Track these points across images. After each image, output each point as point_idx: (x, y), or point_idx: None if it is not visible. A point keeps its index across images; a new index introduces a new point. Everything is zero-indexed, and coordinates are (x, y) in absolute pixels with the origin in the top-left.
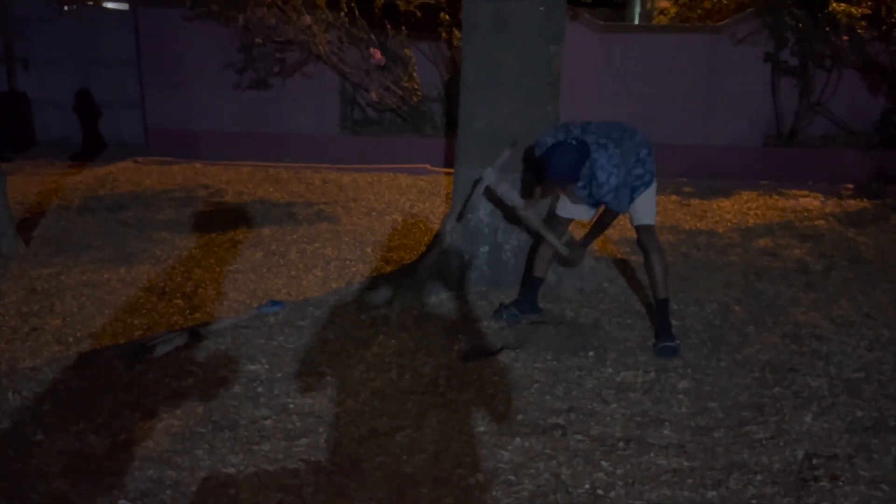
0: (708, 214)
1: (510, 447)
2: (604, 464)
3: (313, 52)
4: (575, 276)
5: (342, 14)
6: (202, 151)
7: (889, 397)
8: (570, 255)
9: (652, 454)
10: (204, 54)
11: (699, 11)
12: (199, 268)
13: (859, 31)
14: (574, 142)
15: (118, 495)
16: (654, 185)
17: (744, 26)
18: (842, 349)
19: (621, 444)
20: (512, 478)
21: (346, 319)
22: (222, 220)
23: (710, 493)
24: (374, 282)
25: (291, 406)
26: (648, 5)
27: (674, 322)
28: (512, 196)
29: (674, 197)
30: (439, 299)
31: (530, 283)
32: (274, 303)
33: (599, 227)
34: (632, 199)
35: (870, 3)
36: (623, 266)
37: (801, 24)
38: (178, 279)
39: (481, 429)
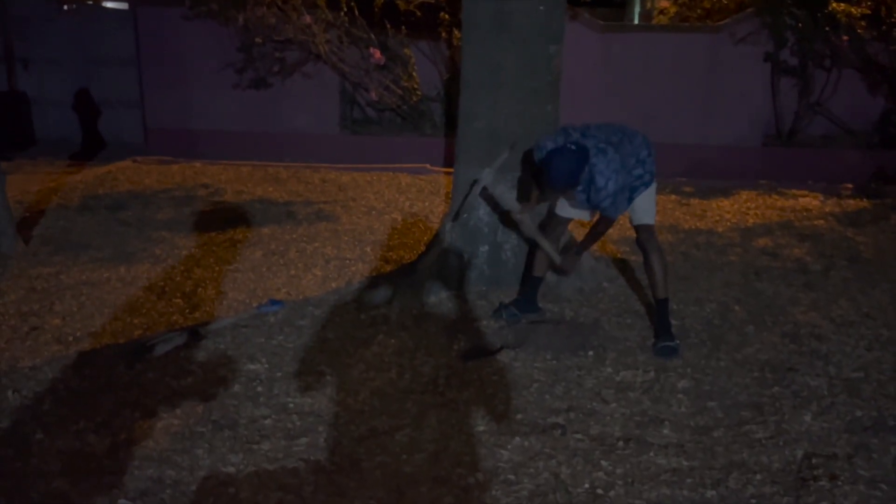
0: (707, 214)
1: (510, 446)
2: (603, 463)
3: (313, 52)
4: (574, 276)
5: (342, 13)
6: (202, 151)
7: (888, 397)
8: (563, 263)
9: (651, 453)
10: (204, 54)
11: (699, 11)
12: (199, 267)
13: (859, 30)
14: (573, 146)
15: (118, 494)
16: (653, 186)
17: (743, 26)
18: (841, 349)
19: (621, 443)
20: (511, 477)
21: (345, 319)
22: (222, 219)
23: (710, 493)
24: (374, 281)
25: (291, 405)
26: (648, 5)
27: (673, 322)
28: (508, 199)
29: (673, 196)
30: (439, 299)
31: (530, 282)
32: (273, 302)
33: (593, 235)
34: (631, 199)
35: (870, 3)
36: (622, 266)
37: (800, 24)
38: (178, 278)
39: (481, 428)
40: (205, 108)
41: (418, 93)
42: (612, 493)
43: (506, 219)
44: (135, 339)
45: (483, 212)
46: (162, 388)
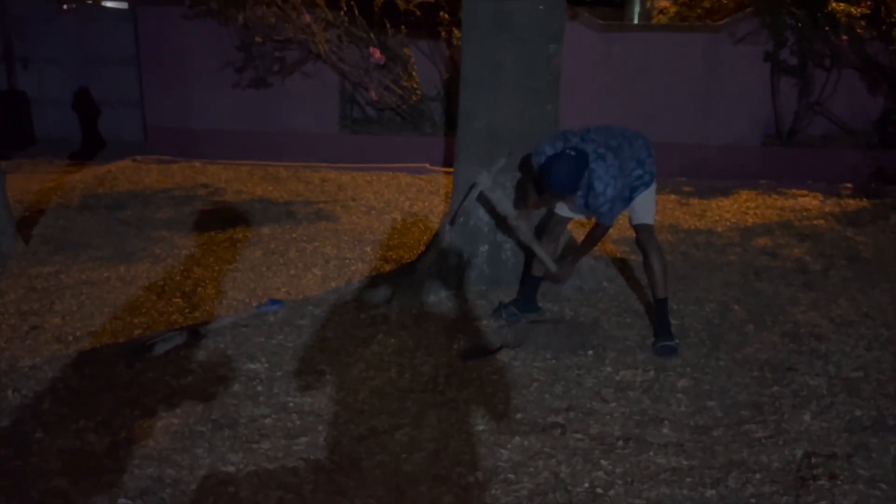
0: (707, 214)
1: (509, 446)
2: (603, 462)
3: (313, 51)
4: (574, 276)
5: (341, 13)
6: (201, 150)
7: (888, 396)
8: (559, 272)
9: (651, 453)
10: (203, 53)
11: (698, 11)
12: (199, 266)
13: (859, 30)
14: (573, 152)
15: (118, 493)
16: (653, 186)
17: (743, 26)
18: (841, 348)
19: (620, 442)
20: (511, 476)
21: (345, 318)
22: (221, 218)
23: (709, 492)
24: (374, 280)
25: (291, 404)
26: (648, 4)
27: (673, 321)
28: (504, 205)
29: (673, 196)
30: (438, 298)
31: (530, 282)
32: (273, 301)
33: (589, 241)
34: (631, 199)
35: (869, 3)
36: (622, 265)
37: (800, 24)
38: (178, 278)
39: (481, 427)
40: (204, 107)
41: (418, 92)
42: (611, 493)
43: (502, 223)
44: (135, 338)
45: (483, 211)
46: (162, 388)
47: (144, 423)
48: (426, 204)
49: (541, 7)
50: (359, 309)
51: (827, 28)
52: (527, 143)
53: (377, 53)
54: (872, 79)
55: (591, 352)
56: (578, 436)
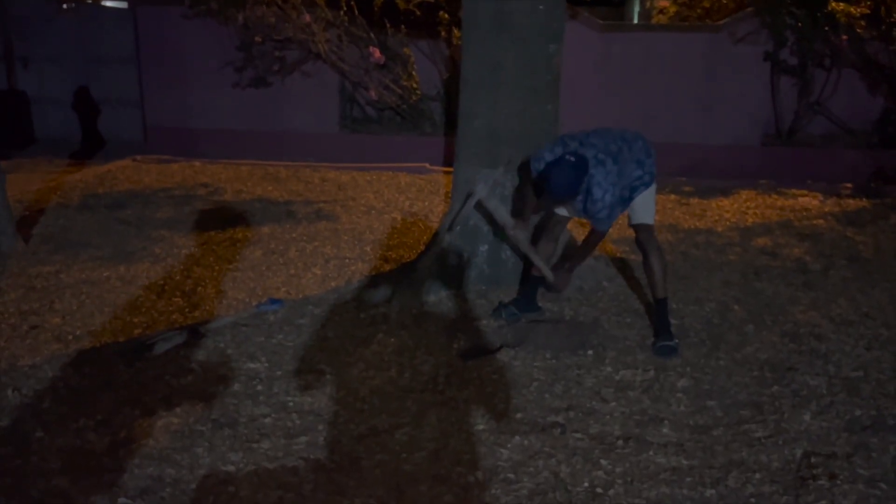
0: (707, 213)
1: (509, 445)
2: (603, 462)
3: (313, 51)
4: (574, 275)
5: (341, 12)
6: (201, 150)
7: (887, 396)
8: (555, 280)
9: (651, 452)
10: (203, 52)
11: (698, 10)
12: (199, 266)
13: (858, 30)
14: (572, 157)
15: (118, 493)
16: (653, 186)
17: (743, 25)
18: (840, 348)
19: (620, 442)
20: (511, 476)
21: (345, 318)
22: (221, 218)
23: (709, 492)
24: (374, 280)
25: (291, 404)
26: (648, 4)
27: (673, 321)
28: (502, 214)
29: (673, 196)
30: (438, 298)
31: (530, 281)
32: (273, 301)
33: (585, 249)
34: (631, 199)
35: (869, 3)
36: (622, 265)
37: (800, 24)
38: (178, 277)
39: (480, 427)
40: (204, 107)
41: (418, 92)
42: (611, 492)
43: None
44: (135, 337)
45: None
46: (162, 387)
47: (144, 422)
48: (426, 204)
49: (541, 7)
50: (359, 308)
51: (827, 28)
52: (527, 143)
53: (377, 53)
54: (872, 79)
55: (591, 351)
56: (578, 435)
